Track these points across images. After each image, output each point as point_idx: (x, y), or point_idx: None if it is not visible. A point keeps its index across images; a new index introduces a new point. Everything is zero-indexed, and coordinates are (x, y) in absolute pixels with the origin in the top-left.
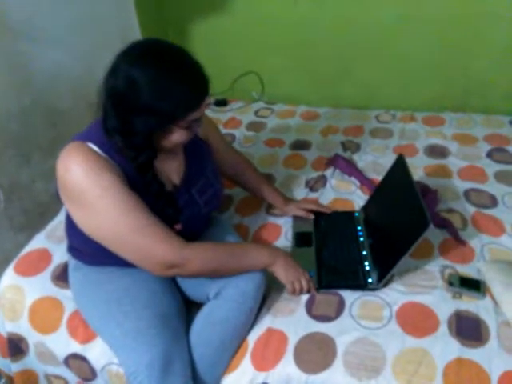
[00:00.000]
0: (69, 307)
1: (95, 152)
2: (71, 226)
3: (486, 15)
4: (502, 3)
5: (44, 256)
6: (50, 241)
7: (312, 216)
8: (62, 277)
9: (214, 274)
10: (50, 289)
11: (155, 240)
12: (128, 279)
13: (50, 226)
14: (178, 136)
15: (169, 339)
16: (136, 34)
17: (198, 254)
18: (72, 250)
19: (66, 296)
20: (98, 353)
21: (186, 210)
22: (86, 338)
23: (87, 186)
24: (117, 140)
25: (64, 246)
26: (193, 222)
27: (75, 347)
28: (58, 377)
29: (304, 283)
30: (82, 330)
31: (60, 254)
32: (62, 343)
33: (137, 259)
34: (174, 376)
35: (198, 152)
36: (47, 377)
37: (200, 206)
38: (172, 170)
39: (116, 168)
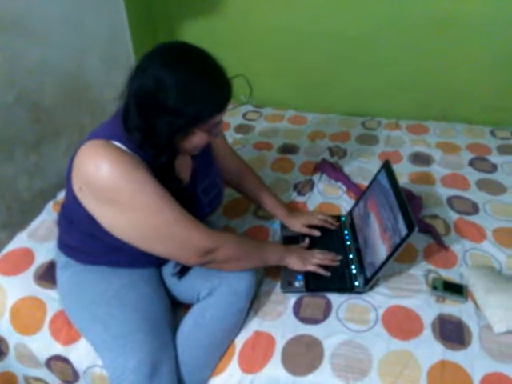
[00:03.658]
0: (52, 308)
1: (123, 150)
2: (69, 224)
3: (470, 29)
4: (484, 18)
5: (26, 255)
6: (33, 240)
7: (318, 233)
8: (45, 276)
9: (239, 263)
10: (32, 289)
11: (191, 228)
12: (117, 282)
13: (32, 225)
14: (199, 138)
15: (156, 344)
16: (125, 35)
17: (229, 239)
18: (65, 247)
19: (49, 296)
20: (81, 354)
21: (191, 209)
22: (69, 340)
23: (122, 184)
24: (137, 138)
25: (47, 245)
26: None
27: (58, 349)
28: (38, 379)
29: (319, 256)
30: (65, 331)
31: (43, 254)
32: (44, 344)
33: (175, 250)
34: (160, 381)
35: (204, 152)
36: (27, 379)
37: (204, 206)
38: (182, 167)
39: (144, 164)
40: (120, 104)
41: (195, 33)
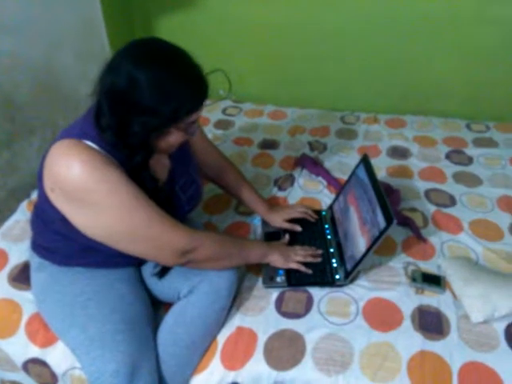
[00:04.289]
0: (28, 310)
1: (95, 150)
2: (42, 224)
3: (445, 25)
4: (460, 13)
5: (0, 256)
6: (6, 240)
7: (299, 228)
8: (19, 278)
9: (219, 262)
10: (6, 290)
11: (168, 228)
12: (95, 282)
13: (6, 225)
14: (175, 137)
15: (136, 345)
16: (100, 29)
17: (208, 239)
18: (38, 248)
19: (24, 298)
20: (59, 357)
21: (170, 208)
22: (47, 342)
23: (95, 184)
24: (110, 138)
25: (21, 245)
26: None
27: (35, 351)
28: (15, 383)
29: (301, 253)
30: (41, 333)
31: (17, 254)
32: (20, 347)
33: (152, 251)
34: (140, 382)
35: (181, 149)
36: (4, 383)
37: (183, 204)
38: (158, 166)
39: (117, 164)
40: (93, 101)
41: (173, 26)
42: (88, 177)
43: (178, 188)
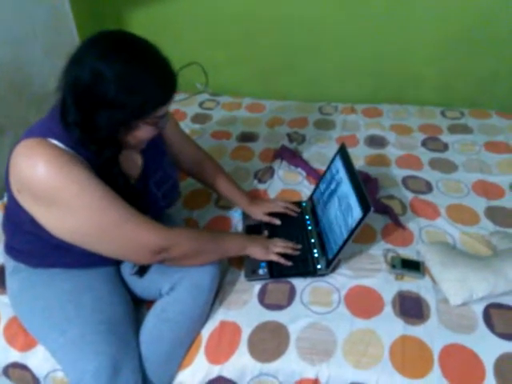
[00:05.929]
0: (5, 314)
1: (60, 148)
2: (14, 226)
3: (418, 14)
4: (431, 1)
5: None
6: None
7: (278, 222)
8: None
9: (196, 258)
10: None
11: (141, 228)
12: (72, 283)
13: None
14: (143, 132)
15: (117, 346)
16: (69, 23)
17: (182, 236)
18: (12, 251)
19: (1, 302)
20: (40, 360)
21: (144, 205)
22: (26, 346)
23: (62, 184)
24: (76, 134)
25: None
26: (151, 215)
27: (14, 356)
28: None
29: (281, 244)
30: (21, 337)
31: None
32: None
33: (124, 251)
34: (122, 382)
35: (154, 143)
36: None
37: (158, 199)
38: (129, 162)
39: (84, 162)
40: (58, 97)
41: (145, 19)
42: (54, 177)
43: (153, 183)
